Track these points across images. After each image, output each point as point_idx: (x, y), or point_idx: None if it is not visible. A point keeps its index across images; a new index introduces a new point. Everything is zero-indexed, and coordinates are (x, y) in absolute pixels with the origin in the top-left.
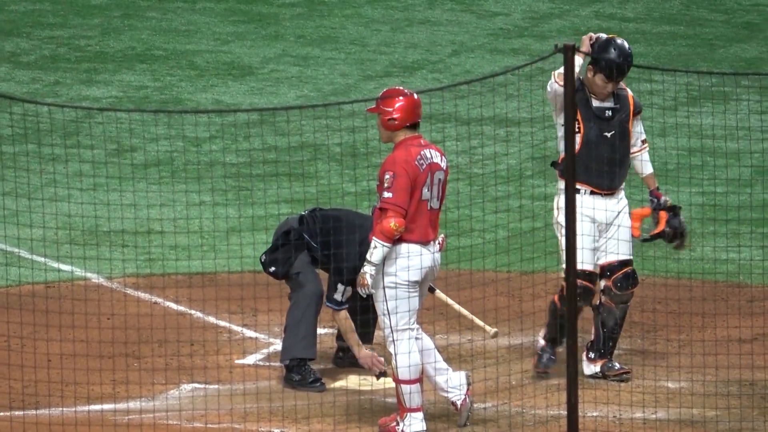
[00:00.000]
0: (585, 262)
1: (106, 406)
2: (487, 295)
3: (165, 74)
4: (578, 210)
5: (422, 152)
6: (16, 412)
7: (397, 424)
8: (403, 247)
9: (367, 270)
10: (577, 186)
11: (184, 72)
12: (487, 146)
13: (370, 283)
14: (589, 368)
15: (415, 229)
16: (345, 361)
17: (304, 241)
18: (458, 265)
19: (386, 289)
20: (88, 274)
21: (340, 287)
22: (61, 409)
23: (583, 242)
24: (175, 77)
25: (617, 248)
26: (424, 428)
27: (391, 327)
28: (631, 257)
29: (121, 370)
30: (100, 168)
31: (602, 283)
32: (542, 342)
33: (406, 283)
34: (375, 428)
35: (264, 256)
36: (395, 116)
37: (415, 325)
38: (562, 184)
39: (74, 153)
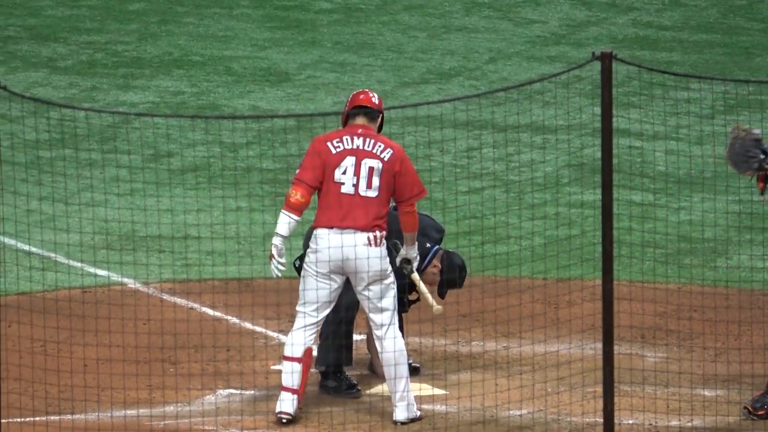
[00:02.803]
0: None
1: (142, 411)
2: (523, 302)
3: (202, 80)
4: None
5: (347, 137)
6: (52, 417)
7: None
8: (314, 233)
9: (274, 240)
10: None
11: (221, 78)
12: (524, 153)
13: (275, 253)
14: None
15: (324, 212)
16: (380, 367)
17: None
18: (494, 271)
19: (302, 270)
20: (125, 279)
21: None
22: (97, 414)
23: None
24: (212, 83)
25: None
26: (290, 411)
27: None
28: None
29: (158, 375)
30: (137, 173)
31: None
32: None
33: (313, 269)
34: None
35: (298, 262)
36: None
37: (315, 314)
38: None
39: (111, 158)
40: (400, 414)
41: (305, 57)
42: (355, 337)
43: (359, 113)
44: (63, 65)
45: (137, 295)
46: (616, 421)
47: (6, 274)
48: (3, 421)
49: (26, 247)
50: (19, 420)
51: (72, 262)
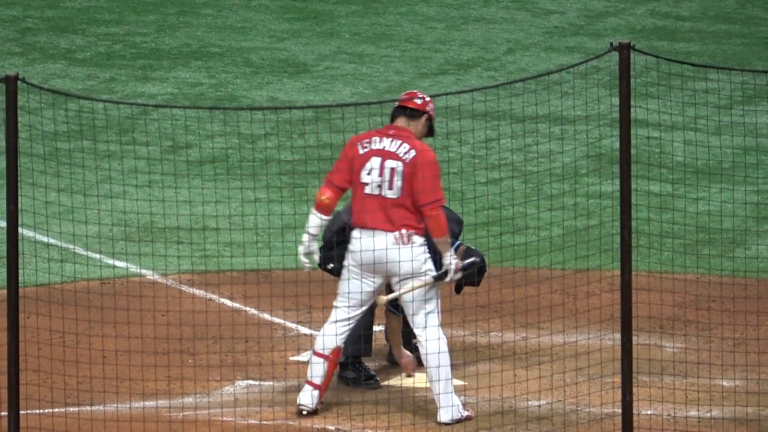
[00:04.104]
0: None
1: (161, 403)
2: (541, 293)
3: (220, 71)
4: None
5: (377, 137)
6: (71, 408)
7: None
8: (351, 233)
9: (302, 237)
10: None
11: (239, 69)
12: (542, 144)
13: (300, 250)
14: None
15: (355, 212)
16: (401, 358)
17: None
18: (513, 262)
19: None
20: (143, 271)
21: None
22: (115, 405)
23: None
24: (231, 74)
25: None
26: (310, 405)
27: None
28: None
29: (176, 366)
30: (155, 165)
31: None
32: None
33: (350, 268)
34: (430, 425)
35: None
36: None
37: (348, 311)
38: None
39: (129, 150)
40: (444, 416)
41: (323, 48)
42: (375, 327)
43: (399, 114)
44: (81, 57)
45: (156, 286)
46: (634, 411)
47: (25, 265)
48: (22, 412)
49: (45, 239)
50: (38, 411)
51: (90, 254)
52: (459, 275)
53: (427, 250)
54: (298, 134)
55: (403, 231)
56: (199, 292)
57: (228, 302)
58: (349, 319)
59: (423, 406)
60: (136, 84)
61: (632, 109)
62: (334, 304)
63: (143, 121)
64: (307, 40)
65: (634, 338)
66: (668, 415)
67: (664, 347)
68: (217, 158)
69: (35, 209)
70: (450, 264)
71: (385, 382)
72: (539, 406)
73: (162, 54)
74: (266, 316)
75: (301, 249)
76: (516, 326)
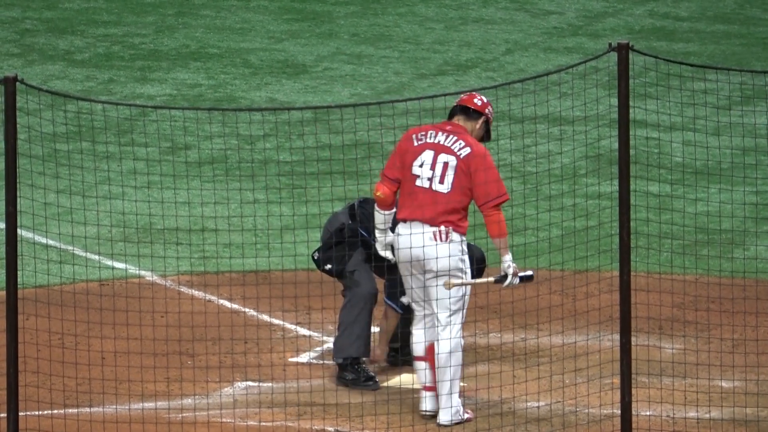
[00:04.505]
0: None
1: (160, 404)
2: (540, 294)
3: (219, 72)
4: None
5: (433, 132)
6: (70, 410)
7: None
8: (397, 227)
9: (376, 236)
10: None
11: (238, 70)
12: (541, 144)
13: (379, 249)
14: None
15: (402, 205)
16: (398, 359)
17: (359, 239)
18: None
19: None
20: (142, 272)
21: None
22: (114, 406)
23: None
24: (229, 75)
25: None
26: (428, 408)
27: None
28: None
29: (175, 367)
30: (154, 166)
31: None
32: None
33: (401, 268)
34: (429, 426)
35: (317, 254)
36: None
37: (421, 309)
38: None
39: (128, 151)
40: (444, 417)
41: (322, 49)
42: (373, 329)
43: (457, 112)
44: (80, 58)
45: (155, 287)
46: (633, 412)
47: (24, 267)
48: (21, 414)
49: (44, 240)
50: (37, 413)
51: (89, 255)
52: (517, 281)
53: (465, 250)
54: (297, 135)
55: (443, 228)
56: (198, 294)
57: (227, 303)
58: (429, 316)
59: None
60: (135, 85)
61: (631, 110)
62: (413, 307)
63: (142, 123)
64: (305, 41)
65: (633, 339)
66: (667, 416)
67: (663, 348)
68: (216, 159)
69: (34, 210)
70: (509, 267)
71: (384, 383)
72: (538, 407)
73: (161, 55)
74: (265, 317)
75: (378, 246)
76: (515, 327)
